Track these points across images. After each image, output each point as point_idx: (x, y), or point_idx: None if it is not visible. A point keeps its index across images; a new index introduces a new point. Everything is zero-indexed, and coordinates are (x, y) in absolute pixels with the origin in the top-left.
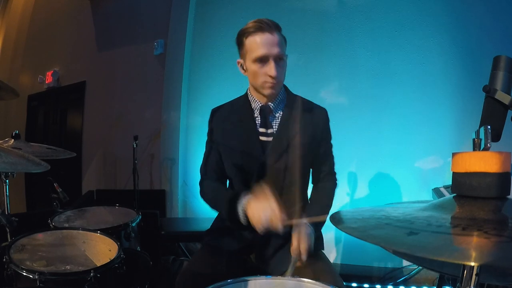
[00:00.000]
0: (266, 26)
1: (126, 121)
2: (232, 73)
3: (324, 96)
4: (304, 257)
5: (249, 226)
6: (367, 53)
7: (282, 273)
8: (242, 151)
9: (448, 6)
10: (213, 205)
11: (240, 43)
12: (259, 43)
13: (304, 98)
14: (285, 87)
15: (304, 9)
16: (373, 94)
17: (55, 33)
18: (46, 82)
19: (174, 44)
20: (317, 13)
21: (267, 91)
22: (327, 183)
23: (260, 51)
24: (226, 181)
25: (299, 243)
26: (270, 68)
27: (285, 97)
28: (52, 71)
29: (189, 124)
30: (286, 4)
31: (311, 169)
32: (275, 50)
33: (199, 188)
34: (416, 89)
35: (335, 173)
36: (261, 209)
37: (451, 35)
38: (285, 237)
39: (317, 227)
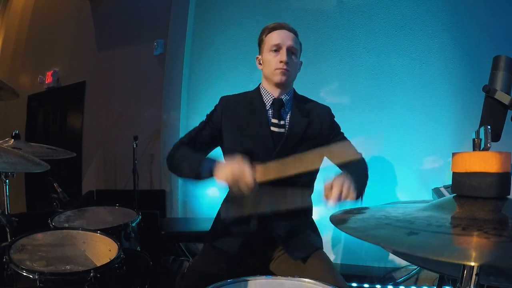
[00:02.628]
0: (285, 25)
1: (126, 121)
2: (232, 73)
3: (324, 96)
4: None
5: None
6: (367, 53)
7: (282, 274)
8: (252, 140)
9: (448, 6)
10: (177, 163)
11: (260, 41)
12: (276, 36)
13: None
14: (293, 89)
15: (304, 9)
16: (373, 94)
17: (55, 33)
18: (46, 82)
19: (174, 44)
20: (317, 13)
21: (278, 77)
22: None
23: (276, 41)
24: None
25: (342, 183)
26: (282, 55)
27: (293, 96)
28: (52, 71)
29: (189, 124)
30: (286, 4)
31: (319, 166)
32: (289, 42)
33: (170, 152)
34: (416, 89)
35: (360, 153)
36: (230, 166)
37: (451, 35)
38: (285, 238)
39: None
